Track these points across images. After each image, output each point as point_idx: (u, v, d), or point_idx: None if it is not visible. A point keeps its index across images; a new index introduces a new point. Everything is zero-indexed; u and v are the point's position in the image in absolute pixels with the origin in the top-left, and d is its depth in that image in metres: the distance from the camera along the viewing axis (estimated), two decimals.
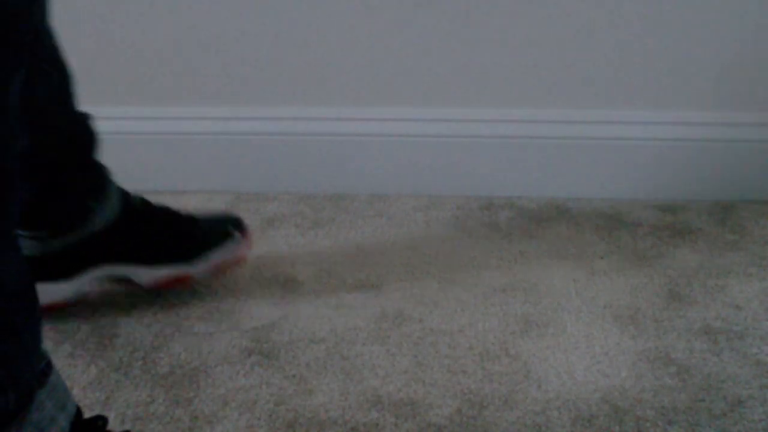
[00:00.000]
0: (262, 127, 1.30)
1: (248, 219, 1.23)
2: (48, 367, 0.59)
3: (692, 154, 1.22)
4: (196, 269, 0.96)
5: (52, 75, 0.85)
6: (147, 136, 1.32)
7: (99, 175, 0.94)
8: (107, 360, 0.85)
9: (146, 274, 0.94)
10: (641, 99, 1.22)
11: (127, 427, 0.76)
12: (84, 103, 0.92)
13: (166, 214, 0.98)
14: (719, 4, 1.15)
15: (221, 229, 0.98)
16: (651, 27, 1.18)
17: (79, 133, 0.92)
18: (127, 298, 0.99)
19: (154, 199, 1.20)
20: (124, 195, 0.96)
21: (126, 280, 0.96)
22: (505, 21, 1.20)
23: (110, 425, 0.74)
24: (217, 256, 0.96)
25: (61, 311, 0.94)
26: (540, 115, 1.25)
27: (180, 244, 0.94)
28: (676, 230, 1.14)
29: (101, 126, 0.95)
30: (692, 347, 0.84)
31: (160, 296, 0.97)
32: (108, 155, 0.96)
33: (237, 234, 0.99)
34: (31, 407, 0.57)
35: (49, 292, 0.89)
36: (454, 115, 1.26)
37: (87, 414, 0.66)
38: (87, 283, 0.94)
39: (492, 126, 1.26)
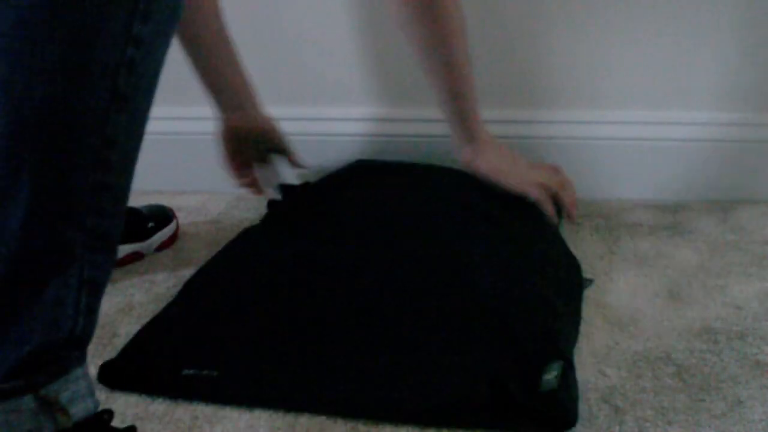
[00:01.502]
0: None
1: (249, 219, 1.23)
2: (84, 354, 0.64)
3: (692, 154, 1.22)
4: (148, 247, 1.12)
5: None
6: (147, 136, 1.32)
7: None
8: (107, 360, 0.85)
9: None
10: (640, 99, 1.22)
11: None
12: None
13: None
14: (719, 5, 1.15)
15: (162, 215, 1.16)
16: (652, 28, 1.18)
17: None
18: (126, 298, 0.99)
19: (154, 199, 1.20)
20: None
21: None
22: (506, 21, 1.20)
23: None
24: (160, 237, 1.14)
25: None
26: (539, 116, 1.25)
27: (136, 226, 1.11)
28: (676, 230, 1.13)
29: None
30: (692, 347, 0.84)
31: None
32: None
33: (174, 219, 1.17)
34: (69, 377, 0.61)
35: None
36: None
37: None
38: None
39: (492, 126, 1.26)
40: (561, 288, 0.93)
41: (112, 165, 0.59)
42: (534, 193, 1.06)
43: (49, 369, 0.60)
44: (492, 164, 1.07)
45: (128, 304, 0.98)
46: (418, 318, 0.84)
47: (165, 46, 0.61)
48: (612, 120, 1.23)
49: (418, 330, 0.83)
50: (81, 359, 0.63)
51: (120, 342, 0.89)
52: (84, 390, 0.63)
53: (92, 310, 0.62)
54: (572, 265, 1.00)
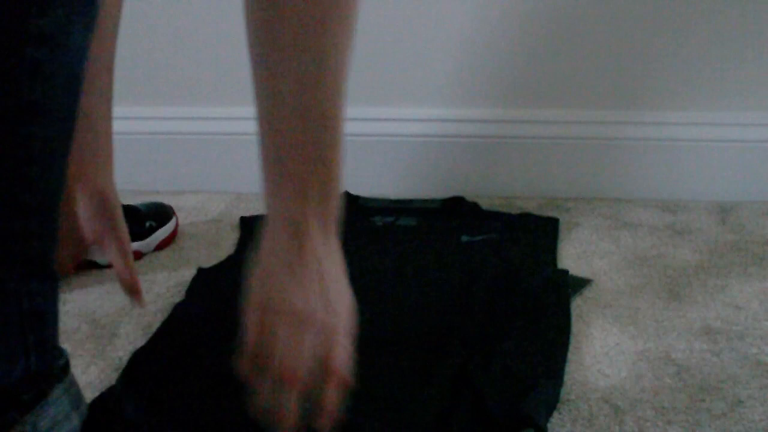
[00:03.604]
0: None
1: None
2: (67, 365, 0.60)
3: (692, 154, 1.22)
4: (147, 246, 1.11)
5: None
6: (147, 136, 1.32)
7: None
8: (107, 360, 0.85)
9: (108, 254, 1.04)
10: (640, 100, 1.22)
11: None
12: None
13: None
14: (720, 6, 1.15)
15: (162, 213, 1.15)
16: (651, 30, 1.18)
17: None
18: (126, 297, 0.99)
19: (154, 199, 1.20)
20: None
21: (89, 263, 1.05)
22: (501, 20, 1.20)
23: None
24: (159, 235, 1.13)
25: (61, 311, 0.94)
26: (539, 116, 1.25)
27: (134, 225, 1.07)
28: (676, 230, 1.13)
29: None
30: (692, 347, 0.84)
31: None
32: None
33: (173, 216, 1.17)
34: (48, 399, 0.57)
35: None
36: (455, 116, 1.26)
37: None
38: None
39: (491, 126, 1.26)
40: (542, 342, 0.84)
41: (34, 184, 0.50)
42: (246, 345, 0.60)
43: (22, 402, 0.55)
44: (264, 284, 0.61)
45: (128, 304, 0.98)
46: (386, 378, 0.77)
47: (83, 34, 0.49)
48: (612, 120, 1.23)
49: (384, 390, 0.76)
50: (62, 373, 0.59)
51: (120, 342, 0.89)
52: (67, 407, 0.58)
53: (44, 342, 0.56)
54: (559, 306, 0.90)
